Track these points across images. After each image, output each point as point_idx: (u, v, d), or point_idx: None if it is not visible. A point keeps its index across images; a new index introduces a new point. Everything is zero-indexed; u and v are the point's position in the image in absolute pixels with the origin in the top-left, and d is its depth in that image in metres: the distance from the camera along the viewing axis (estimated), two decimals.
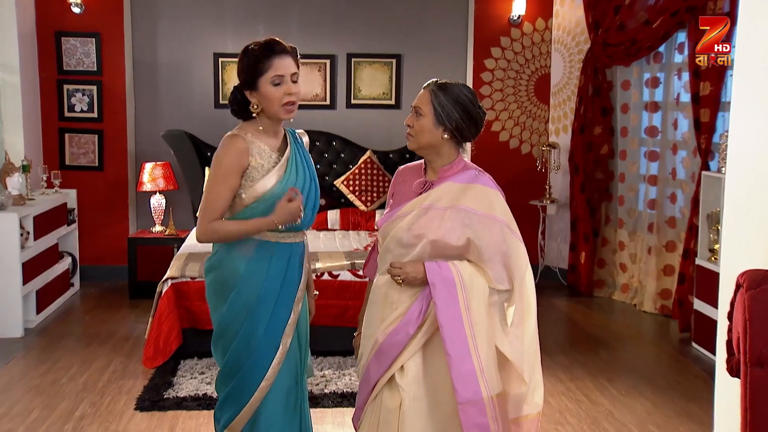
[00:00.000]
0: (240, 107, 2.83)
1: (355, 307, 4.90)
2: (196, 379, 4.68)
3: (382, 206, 6.75)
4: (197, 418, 4.18)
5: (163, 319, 4.90)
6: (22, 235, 5.60)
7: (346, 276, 5.13)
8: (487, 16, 7.23)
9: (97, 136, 7.02)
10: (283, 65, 2.73)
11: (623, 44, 6.36)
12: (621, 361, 5.29)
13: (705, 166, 5.69)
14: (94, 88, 6.96)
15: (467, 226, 2.57)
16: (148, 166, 6.73)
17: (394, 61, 7.22)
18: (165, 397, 4.42)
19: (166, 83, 7.09)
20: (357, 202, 6.86)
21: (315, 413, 4.23)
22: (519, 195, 7.12)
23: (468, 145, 7.10)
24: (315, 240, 5.98)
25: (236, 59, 2.87)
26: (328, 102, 7.22)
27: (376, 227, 2.85)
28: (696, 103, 5.76)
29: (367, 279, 2.99)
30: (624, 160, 6.79)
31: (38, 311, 5.85)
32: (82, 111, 6.98)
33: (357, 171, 6.90)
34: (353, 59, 7.19)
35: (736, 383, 2.75)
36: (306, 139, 3.01)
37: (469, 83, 7.22)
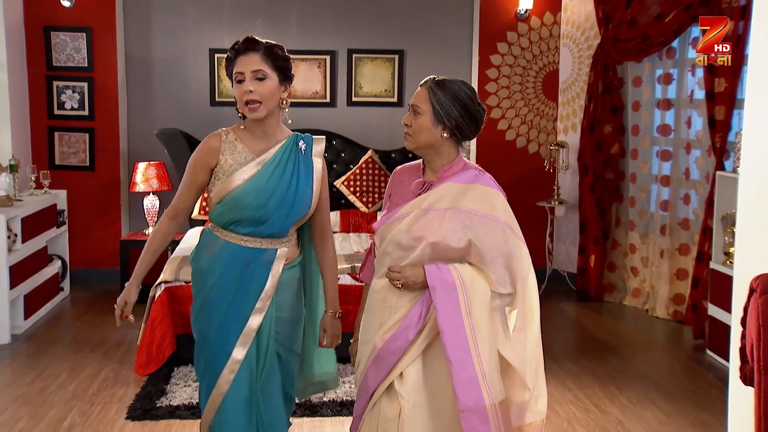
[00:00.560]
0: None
1: (355, 312, 4.87)
2: (190, 386, 4.69)
3: None
4: (191, 427, 4.18)
5: (156, 325, 4.91)
6: (9, 237, 5.61)
7: (346, 280, 5.14)
8: (493, 10, 7.24)
9: (88, 134, 7.03)
10: (245, 63, 2.73)
11: (634, 39, 6.36)
12: (632, 369, 5.28)
13: (720, 166, 5.68)
14: (85, 84, 6.97)
15: (468, 228, 2.57)
16: (141, 165, 6.74)
17: (396, 57, 7.23)
18: (158, 405, 4.43)
19: (160, 80, 7.10)
20: (358, 204, 6.87)
21: (314, 422, 4.26)
22: (526, 196, 7.12)
23: (473, 144, 7.11)
24: None
25: None
26: (328, 99, 7.22)
27: (373, 230, 2.84)
28: (710, 101, 5.76)
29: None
30: (635, 160, 6.79)
31: (26, 317, 5.85)
32: (72, 109, 6.99)
33: (358, 171, 6.91)
34: (354, 55, 7.20)
35: (750, 392, 2.75)
36: (319, 147, 2.91)
37: (475, 80, 7.23)
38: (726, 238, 5.43)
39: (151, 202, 6.76)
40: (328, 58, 7.18)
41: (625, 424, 4.34)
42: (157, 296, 4.99)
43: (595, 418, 4.41)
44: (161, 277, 5.09)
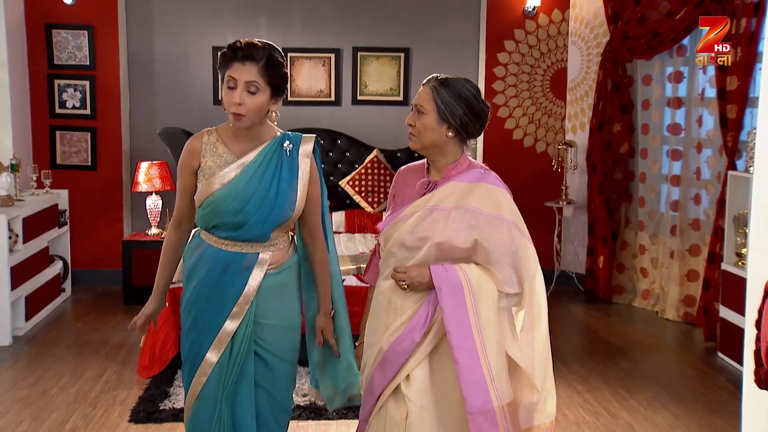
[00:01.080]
0: None
1: (361, 313, 4.86)
2: None
3: None
4: None
5: (160, 326, 4.91)
6: (10, 237, 5.62)
7: (351, 281, 5.13)
8: (500, 7, 7.23)
9: (89, 133, 7.04)
10: (241, 70, 2.65)
11: (644, 37, 6.35)
12: (642, 372, 5.27)
13: (731, 166, 5.66)
14: (87, 83, 6.98)
15: (474, 227, 2.57)
16: (144, 165, 6.75)
17: (402, 55, 7.22)
18: (161, 408, 4.43)
19: (162, 78, 7.11)
20: (363, 204, 6.86)
21: (319, 426, 4.26)
22: (534, 196, 7.12)
23: (480, 144, 7.10)
24: None
25: None
26: (332, 98, 7.22)
27: (378, 230, 2.82)
28: (722, 99, 5.73)
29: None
30: (645, 159, 6.77)
31: (27, 318, 5.86)
32: (74, 107, 7.00)
33: (363, 171, 6.90)
34: (359, 53, 7.20)
35: (764, 395, 2.74)
36: (307, 147, 2.83)
37: (482, 78, 7.22)
38: (738, 239, 5.42)
39: (153, 202, 6.77)
40: (332, 56, 7.17)
41: (635, 428, 4.32)
42: None
43: (605, 422, 4.40)
44: None
